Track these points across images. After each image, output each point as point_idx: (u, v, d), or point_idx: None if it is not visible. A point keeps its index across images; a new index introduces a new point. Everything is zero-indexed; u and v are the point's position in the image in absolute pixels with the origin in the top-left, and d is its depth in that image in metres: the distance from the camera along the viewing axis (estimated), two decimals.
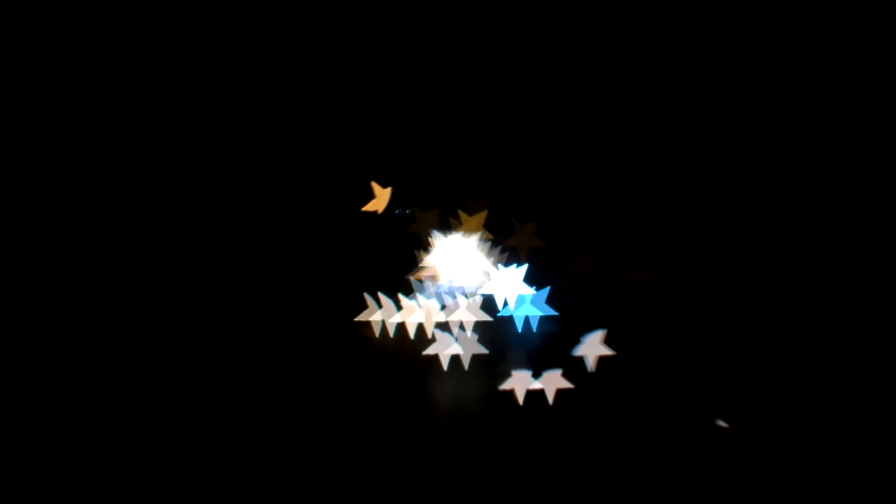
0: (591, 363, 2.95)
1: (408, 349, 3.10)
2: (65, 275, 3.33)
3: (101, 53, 3.44)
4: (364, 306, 3.22)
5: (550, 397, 2.86)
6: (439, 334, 3.07)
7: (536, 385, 2.88)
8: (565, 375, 2.88)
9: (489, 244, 3.28)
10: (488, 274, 3.18)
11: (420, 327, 3.14)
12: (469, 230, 3.27)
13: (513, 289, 3.12)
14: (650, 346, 3.10)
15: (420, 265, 3.24)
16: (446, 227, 3.30)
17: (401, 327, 3.17)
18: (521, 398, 2.86)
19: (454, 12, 3.50)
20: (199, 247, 3.39)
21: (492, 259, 3.24)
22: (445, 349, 3.05)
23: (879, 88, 3.41)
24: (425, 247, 3.27)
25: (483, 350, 3.05)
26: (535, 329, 3.11)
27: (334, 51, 3.53)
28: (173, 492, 2.50)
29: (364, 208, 3.37)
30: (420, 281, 3.22)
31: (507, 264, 3.19)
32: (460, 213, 3.32)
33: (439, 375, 3.01)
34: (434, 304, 3.17)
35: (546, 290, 3.12)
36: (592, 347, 2.95)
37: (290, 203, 3.49)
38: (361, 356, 3.11)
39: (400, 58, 3.53)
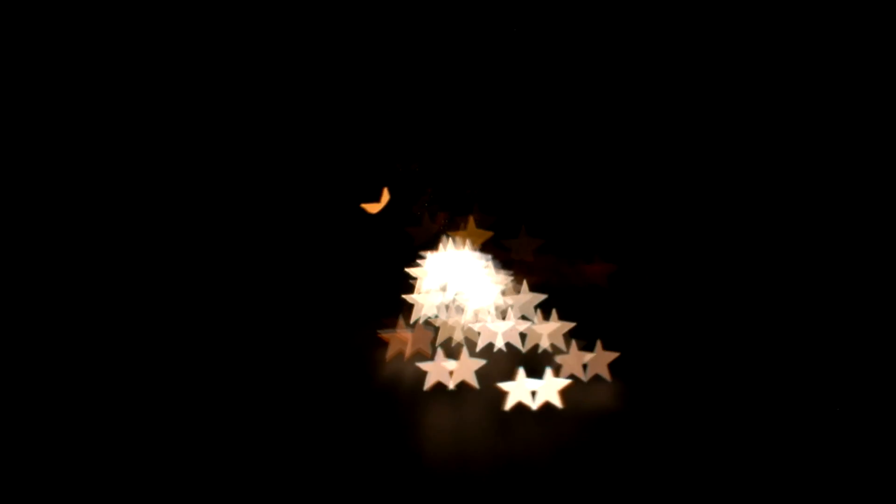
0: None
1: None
2: (64, 275, 3.32)
3: (101, 53, 3.44)
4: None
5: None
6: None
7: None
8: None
9: (490, 257, 3.23)
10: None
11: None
12: (472, 242, 3.25)
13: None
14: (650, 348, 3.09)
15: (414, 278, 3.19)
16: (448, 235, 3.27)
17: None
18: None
19: (454, 17, 3.50)
20: (193, 246, 3.39)
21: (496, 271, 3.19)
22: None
23: (879, 88, 3.41)
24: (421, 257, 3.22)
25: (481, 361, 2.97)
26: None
27: (335, 58, 3.53)
28: (173, 492, 2.50)
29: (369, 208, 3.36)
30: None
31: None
32: (470, 220, 3.31)
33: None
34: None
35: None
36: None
37: (286, 205, 3.48)
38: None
39: (403, 63, 3.53)
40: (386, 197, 3.43)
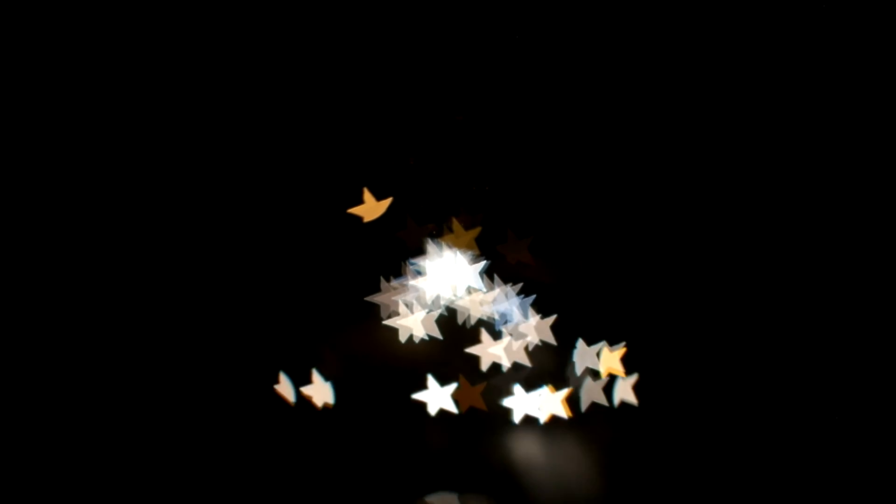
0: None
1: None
2: (63, 275, 3.29)
3: (101, 53, 3.41)
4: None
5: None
6: None
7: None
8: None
9: (478, 259, 3.21)
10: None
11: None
12: (460, 244, 3.23)
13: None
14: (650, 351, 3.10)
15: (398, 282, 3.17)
16: (437, 239, 3.25)
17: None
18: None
19: (452, 20, 3.49)
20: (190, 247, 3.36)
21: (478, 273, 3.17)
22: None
23: (879, 89, 3.42)
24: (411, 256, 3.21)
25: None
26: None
27: (331, 60, 3.52)
28: (173, 492, 2.49)
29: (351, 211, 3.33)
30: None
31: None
32: (455, 224, 3.28)
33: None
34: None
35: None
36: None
37: (281, 207, 3.47)
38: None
39: (398, 65, 3.51)
40: (372, 202, 3.39)
